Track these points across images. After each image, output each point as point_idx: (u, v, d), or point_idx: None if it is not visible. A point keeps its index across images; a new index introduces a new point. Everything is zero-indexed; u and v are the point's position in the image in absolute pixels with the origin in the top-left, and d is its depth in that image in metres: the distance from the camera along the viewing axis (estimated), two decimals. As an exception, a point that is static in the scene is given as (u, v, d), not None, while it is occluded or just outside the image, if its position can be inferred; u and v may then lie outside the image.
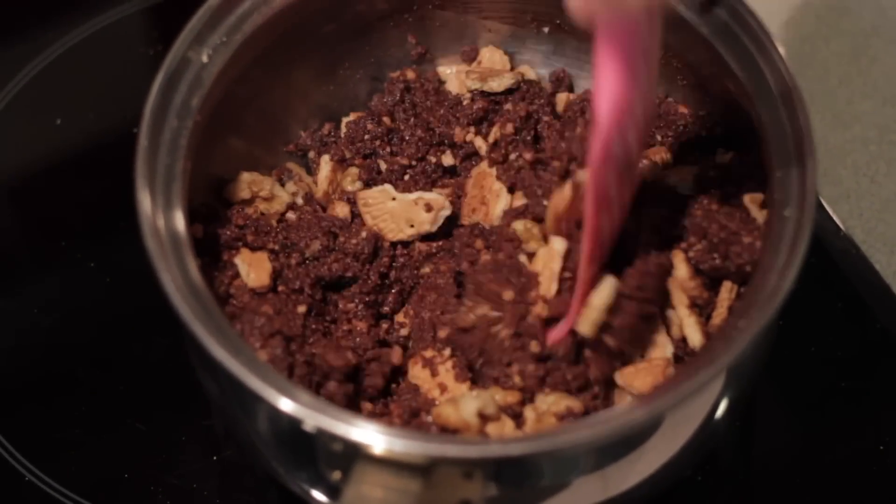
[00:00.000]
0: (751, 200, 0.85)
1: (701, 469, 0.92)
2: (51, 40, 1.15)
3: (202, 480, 0.92)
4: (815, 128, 1.10)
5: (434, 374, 0.85)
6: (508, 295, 0.82)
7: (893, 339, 0.98)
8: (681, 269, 0.84)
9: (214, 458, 0.93)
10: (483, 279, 0.84)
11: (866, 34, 1.19)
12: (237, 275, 0.87)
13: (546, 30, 0.99)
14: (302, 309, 0.86)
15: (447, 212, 0.91)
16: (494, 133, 0.95)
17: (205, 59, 0.84)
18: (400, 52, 0.99)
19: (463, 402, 0.79)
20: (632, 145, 0.79)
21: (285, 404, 0.71)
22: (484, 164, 0.94)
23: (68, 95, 1.13)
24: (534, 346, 0.81)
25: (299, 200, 0.94)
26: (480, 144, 0.96)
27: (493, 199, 0.92)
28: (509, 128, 0.94)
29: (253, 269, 0.87)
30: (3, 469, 0.92)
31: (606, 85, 0.74)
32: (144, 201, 0.77)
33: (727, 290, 0.85)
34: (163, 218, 0.78)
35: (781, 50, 0.83)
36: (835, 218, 1.03)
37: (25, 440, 0.93)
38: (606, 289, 0.80)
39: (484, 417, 0.79)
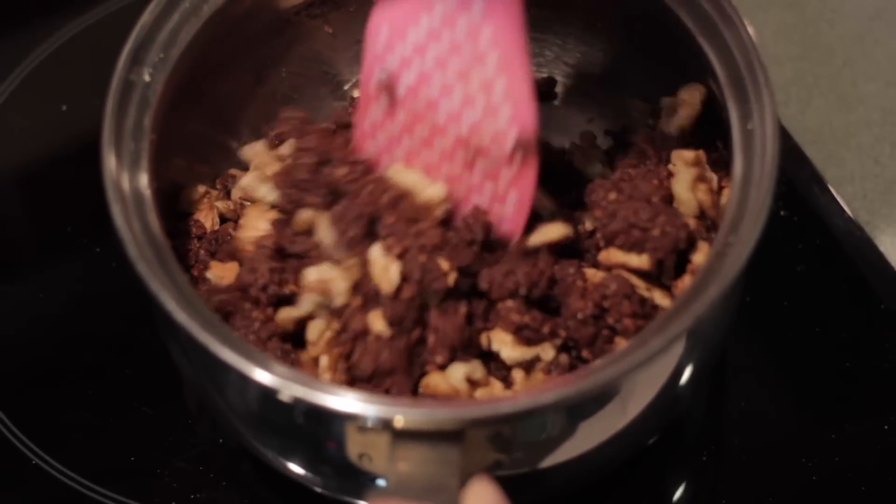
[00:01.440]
0: (678, 158, 0.85)
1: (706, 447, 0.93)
2: (56, 27, 1.15)
3: (209, 463, 0.92)
4: (819, 110, 1.12)
5: None
6: None
7: (898, 320, 0.98)
8: (635, 260, 0.82)
9: (221, 440, 0.93)
10: None
11: (870, 17, 1.19)
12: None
13: None
14: None
15: None
16: None
17: (147, 78, 0.84)
18: (318, 44, 0.99)
19: (451, 370, 0.79)
20: None
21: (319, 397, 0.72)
22: None
23: (74, 82, 1.13)
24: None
25: (248, 204, 0.94)
26: None
27: None
28: None
29: (227, 280, 0.87)
30: (10, 453, 0.92)
31: None
32: (124, 229, 0.78)
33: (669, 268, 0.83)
34: (139, 228, 0.78)
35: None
36: (839, 199, 1.03)
37: (32, 424, 0.94)
38: None
39: (472, 383, 0.79)
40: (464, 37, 0.80)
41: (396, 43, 0.82)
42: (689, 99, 0.90)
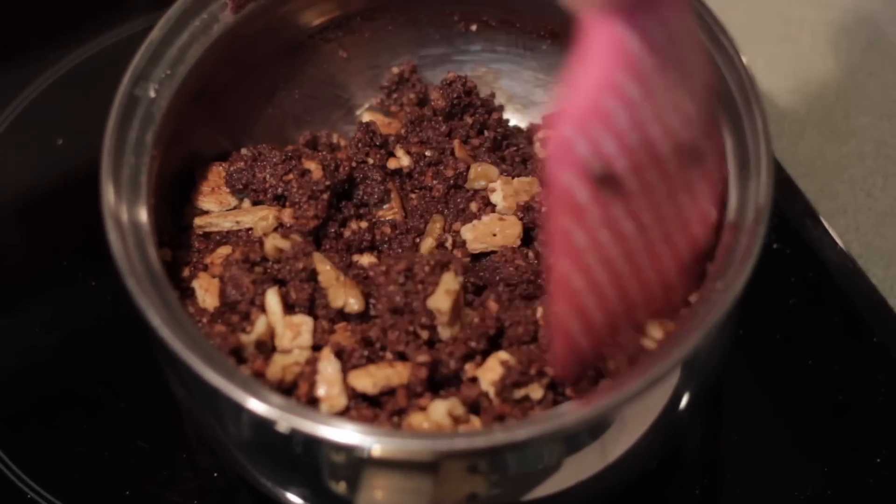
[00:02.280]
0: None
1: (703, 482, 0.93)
2: (52, 61, 1.16)
3: (203, 497, 0.92)
4: (812, 143, 1.13)
5: None
6: None
7: (890, 353, 0.98)
8: None
9: (215, 474, 0.93)
10: None
11: (863, 49, 1.20)
12: None
13: (474, 28, 0.99)
14: None
15: None
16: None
17: (152, 94, 0.85)
18: (332, 68, 1.00)
19: (432, 407, 0.79)
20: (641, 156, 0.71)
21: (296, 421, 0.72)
22: None
23: (70, 115, 1.13)
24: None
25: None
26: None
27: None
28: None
29: (209, 293, 0.87)
30: (6, 487, 0.92)
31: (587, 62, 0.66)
32: (116, 242, 0.78)
33: None
34: (136, 254, 0.79)
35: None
36: (832, 232, 1.03)
37: (28, 458, 0.94)
38: None
39: (454, 418, 0.79)
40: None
41: (600, 134, 0.69)
42: None
